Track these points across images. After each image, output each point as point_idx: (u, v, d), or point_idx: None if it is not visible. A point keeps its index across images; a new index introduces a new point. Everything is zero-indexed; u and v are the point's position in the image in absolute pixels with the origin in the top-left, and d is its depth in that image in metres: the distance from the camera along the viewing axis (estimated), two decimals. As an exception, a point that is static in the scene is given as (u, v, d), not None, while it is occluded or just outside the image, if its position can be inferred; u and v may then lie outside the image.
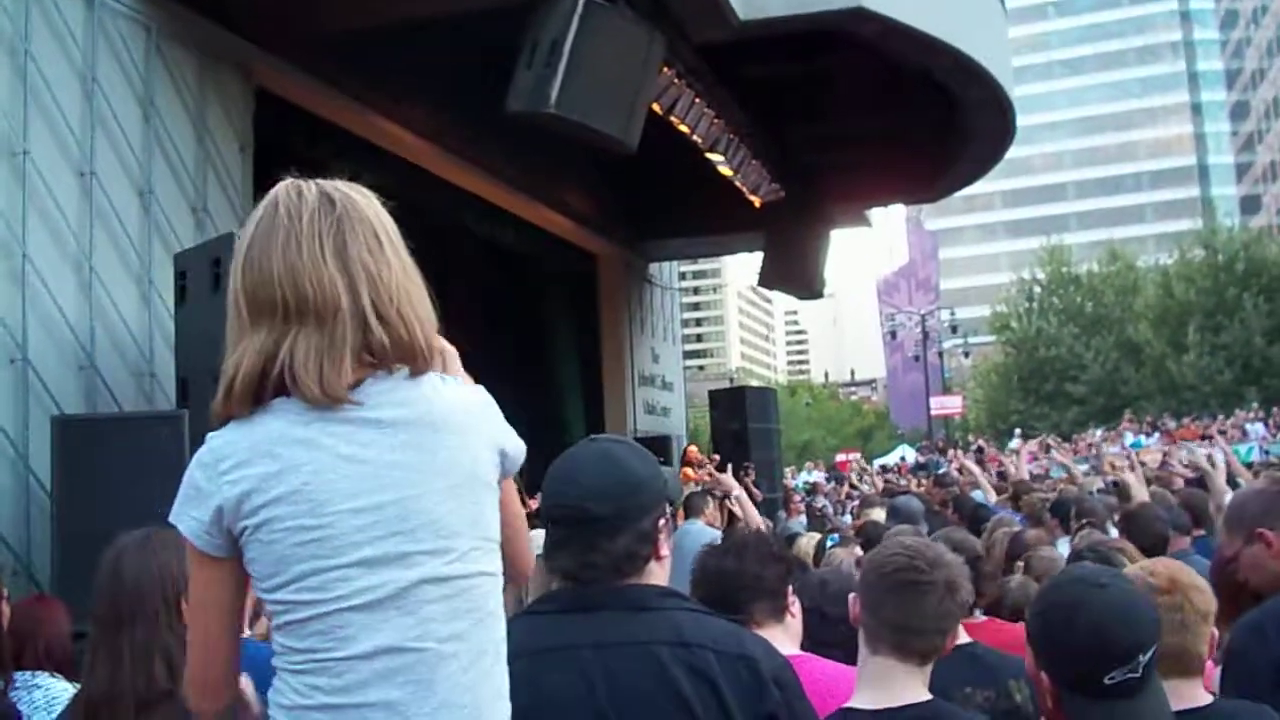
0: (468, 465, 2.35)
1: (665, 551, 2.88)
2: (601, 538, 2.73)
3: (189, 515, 2.30)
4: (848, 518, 14.55)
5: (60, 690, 4.07)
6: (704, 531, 9.85)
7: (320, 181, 2.43)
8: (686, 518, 11.13)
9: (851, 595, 3.23)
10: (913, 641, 3.07)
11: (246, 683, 2.54)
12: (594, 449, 2.86)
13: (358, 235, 2.35)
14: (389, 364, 2.32)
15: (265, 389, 2.27)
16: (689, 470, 16.22)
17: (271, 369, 2.25)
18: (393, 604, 2.23)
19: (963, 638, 3.83)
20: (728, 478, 9.18)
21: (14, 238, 7.90)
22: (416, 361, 2.35)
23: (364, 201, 2.43)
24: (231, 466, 2.25)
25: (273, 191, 2.40)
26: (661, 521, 2.87)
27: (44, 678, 4.13)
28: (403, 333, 2.33)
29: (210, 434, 2.32)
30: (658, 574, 2.85)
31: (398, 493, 2.26)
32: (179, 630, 3.16)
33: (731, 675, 2.64)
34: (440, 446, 2.32)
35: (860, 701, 3.07)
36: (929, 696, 3.07)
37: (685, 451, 17.22)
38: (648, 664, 2.64)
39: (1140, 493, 9.71)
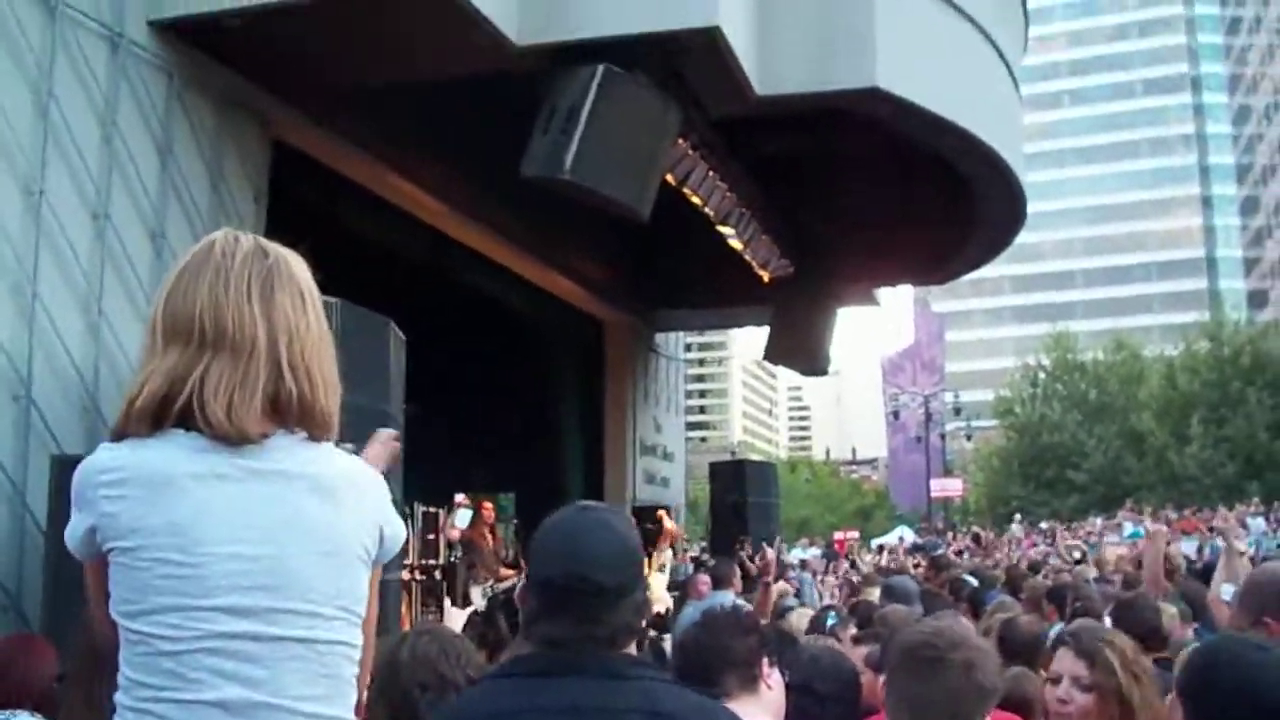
0: (347, 536, 2.36)
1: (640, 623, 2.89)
2: (605, 609, 2.69)
3: (72, 520, 2.32)
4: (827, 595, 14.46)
5: None
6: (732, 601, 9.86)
7: (261, 238, 2.47)
8: (715, 588, 11.14)
9: (880, 678, 3.22)
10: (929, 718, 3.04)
11: None
12: (593, 518, 2.82)
13: (285, 288, 2.39)
14: (291, 422, 2.34)
15: (167, 414, 2.27)
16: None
17: (178, 393, 2.27)
18: (251, 656, 2.21)
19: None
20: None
21: (25, 276, 7.93)
22: (317, 424, 2.37)
23: (297, 264, 2.48)
24: (111, 482, 2.26)
25: (211, 235, 2.44)
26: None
27: (24, 716, 4.11)
28: (309, 390, 2.35)
29: (101, 445, 2.33)
30: (631, 644, 2.83)
31: (275, 548, 2.26)
32: None
33: None
34: (325, 512, 2.32)
35: None
36: None
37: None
38: None
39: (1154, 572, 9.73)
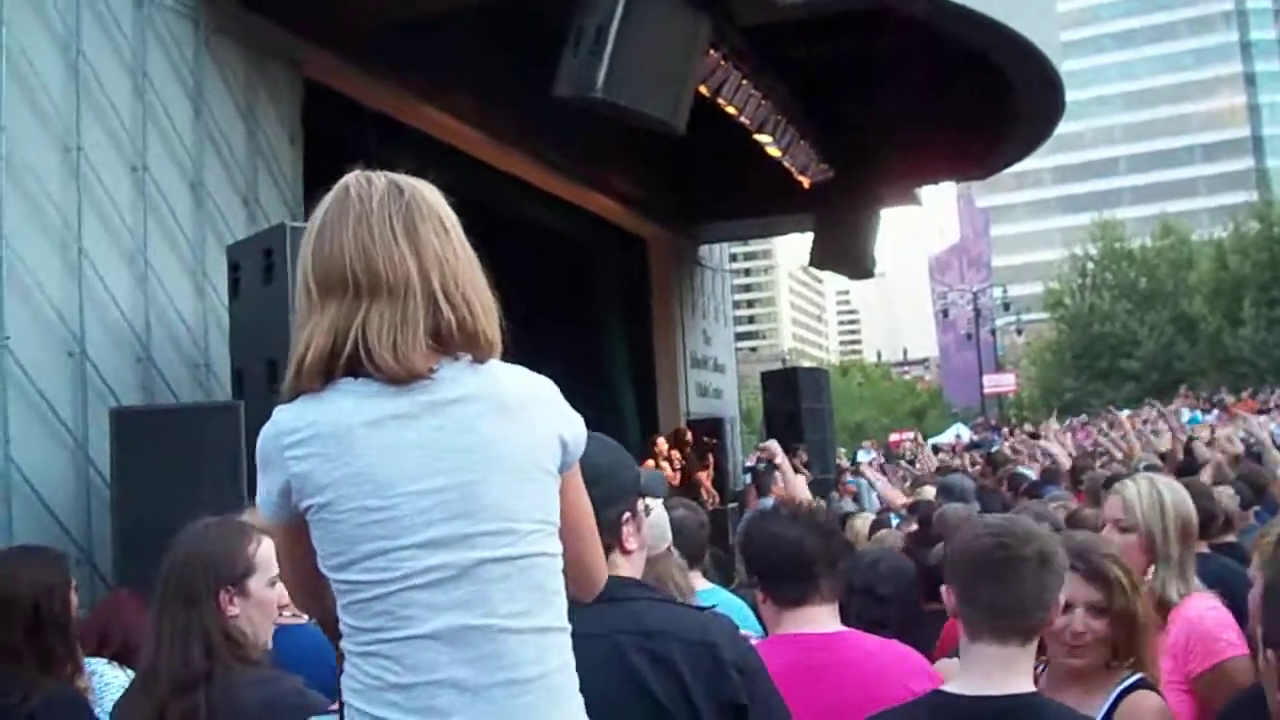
0: (530, 451, 2.37)
1: (632, 545, 2.90)
2: None
3: (261, 486, 2.36)
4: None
5: (113, 678, 4.13)
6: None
7: (389, 173, 2.47)
8: (759, 496, 11.22)
9: (944, 587, 3.14)
10: (1014, 622, 2.96)
11: None
12: None
13: (427, 221, 2.40)
14: (454, 350, 2.35)
15: (335, 366, 2.30)
16: (650, 463, 16.25)
17: (343, 345, 2.29)
18: (455, 584, 2.26)
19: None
20: (771, 444, 9.25)
21: (70, 232, 7.99)
22: (481, 347, 2.38)
23: (430, 193, 2.48)
24: (296, 442, 2.29)
25: (342, 180, 2.45)
26: (627, 515, 2.89)
27: (99, 664, 4.19)
28: (468, 316, 2.36)
29: (278, 408, 2.36)
30: (624, 567, 2.86)
31: (462, 476, 2.29)
32: (219, 617, 3.27)
33: (693, 662, 2.67)
34: (505, 431, 2.34)
35: (958, 687, 2.99)
36: (1031, 689, 2.97)
37: (654, 441, 17.12)
38: (610, 655, 2.66)
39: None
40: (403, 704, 2.25)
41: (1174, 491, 4.47)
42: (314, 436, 2.28)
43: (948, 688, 3.02)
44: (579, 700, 2.40)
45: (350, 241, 2.34)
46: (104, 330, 8.22)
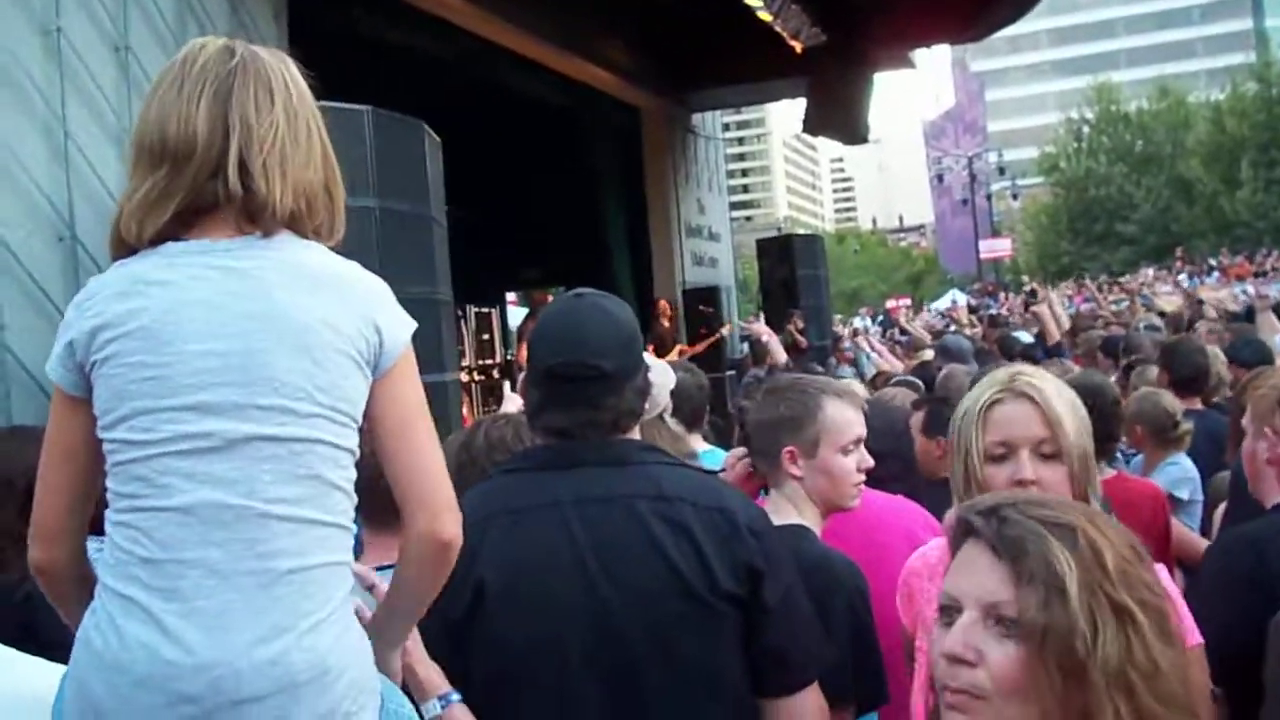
0: (326, 329, 2.29)
1: (646, 407, 2.90)
2: (609, 394, 2.75)
3: (54, 348, 2.32)
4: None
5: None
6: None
7: (237, 41, 2.42)
8: (754, 364, 11.28)
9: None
10: None
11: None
12: (588, 304, 2.85)
13: (248, 88, 2.33)
14: (255, 224, 2.32)
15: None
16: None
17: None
18: (219, 456, 2.19)
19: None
20: (757, 325, 9.45)
21: (54, 116, 7.89)
22: (274, 219, 2.32)
23: (274, 63, 2.41)
24: (93, 302, 2.26)
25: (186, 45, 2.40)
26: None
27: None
28: (263, 186, 2.29)
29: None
30: (634, 429, 2.88)
31: (245, 343, 2.23)
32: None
33: (709, 526, 2.68)
34: (302, 303, 2.28)
35: None
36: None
37: (656, 304, 17.12)
38: (627, 517, 2.68)
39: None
40: (147, 581, 2.18)
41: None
42: (110, 296, 2.25)
43: None
44: (344, 603, 2.31)
45: (156, 108, 2.31)
46: (93, 213, 8.15)
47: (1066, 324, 10.42)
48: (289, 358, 2.24)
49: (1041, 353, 9.65)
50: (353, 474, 2.35)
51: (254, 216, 2.31)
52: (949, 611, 1.85)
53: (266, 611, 2.18)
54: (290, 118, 2.37)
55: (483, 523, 2.67)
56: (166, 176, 2.27)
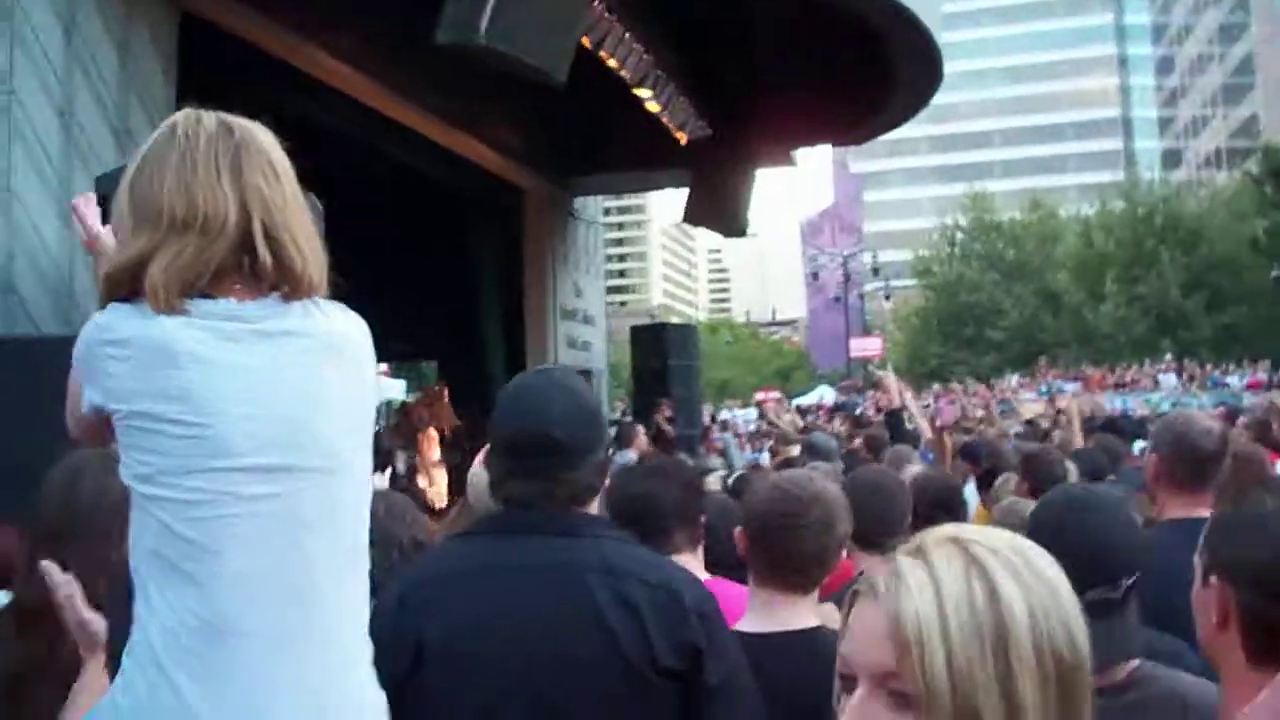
0: (358, 388, 2.42)
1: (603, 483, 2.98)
2: (566, 469, 2.80)
3: (73, 382, 2.37)
4: (765, 455, 14.63)
5: None
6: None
7: (221, 113, 2.48)
8: (620, 447, 11.28)
9: (737, 530, 3.38)
10: (793, 578, 3.26)
11: None
12: (554, 379, 2.93)
13: (254, 163, 2.41)
14: (270, 285, 2.38)
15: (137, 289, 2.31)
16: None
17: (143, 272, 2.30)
18: (274, 513, 2.26)
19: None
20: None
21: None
22: (303, 287, 2.40)
23: (263, 136, 2.49)
24: (113, 341, 2.28)
25: (172, 117, 2.45)
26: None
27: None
28: (291, 254, 2.38)
29: (96, 313, 2.36)
30: (592, 505, 2.93)
31: (289, 407, 2.30)
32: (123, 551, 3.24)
33: (655, 604, 2.70)
34: (333, 367, 2.38)
35: (748, 626, 3.20)
36: (816, 623, 3.21)
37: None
38: (574, 588, 2.71)
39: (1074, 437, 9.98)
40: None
41: None
42: (131, 340, 2.26)
43: (741, 627, 3.17)
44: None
45: (172, 179, 2.34)
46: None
47: (927, 429, 10.60)
48: (332, 417, 2.37)
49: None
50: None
51: (288, 284, 2.40)
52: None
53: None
54: (295, 195, 2.48)
55: (432, 583, 2.75)
56: (197, 246, 2.31)
